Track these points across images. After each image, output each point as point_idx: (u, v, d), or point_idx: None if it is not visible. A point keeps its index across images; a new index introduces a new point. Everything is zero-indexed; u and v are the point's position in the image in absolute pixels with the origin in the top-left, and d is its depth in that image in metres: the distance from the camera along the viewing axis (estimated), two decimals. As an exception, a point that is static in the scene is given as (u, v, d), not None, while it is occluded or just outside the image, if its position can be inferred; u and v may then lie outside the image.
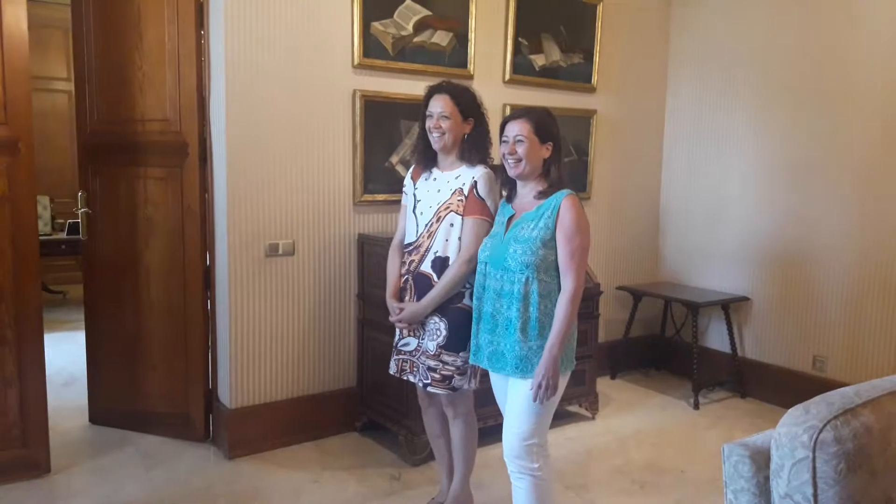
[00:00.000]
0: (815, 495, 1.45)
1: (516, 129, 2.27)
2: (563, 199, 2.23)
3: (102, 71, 3.42)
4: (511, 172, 2.31)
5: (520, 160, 2.27)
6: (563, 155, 2.34)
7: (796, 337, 4.22)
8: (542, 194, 2.29)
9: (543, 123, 2.29)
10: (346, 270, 3.63)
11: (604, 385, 4.46)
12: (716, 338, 4.65)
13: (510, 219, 2.35)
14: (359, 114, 3.56)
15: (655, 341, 4.98)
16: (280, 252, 3.42)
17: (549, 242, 2.22)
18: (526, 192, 2.34)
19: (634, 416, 4.09)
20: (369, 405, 3.60)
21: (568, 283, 2.20)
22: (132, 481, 3.11)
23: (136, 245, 3.47)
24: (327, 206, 3.55)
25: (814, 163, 4.07)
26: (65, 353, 4.90)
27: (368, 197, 3.64)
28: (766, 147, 4.31)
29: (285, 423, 3.49)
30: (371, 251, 3.55)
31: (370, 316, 3.57)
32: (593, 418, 3.99)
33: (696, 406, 4.24)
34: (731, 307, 4.47)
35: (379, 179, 3.67)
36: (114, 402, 3.62)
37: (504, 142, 2.30)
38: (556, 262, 2.23)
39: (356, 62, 3.53)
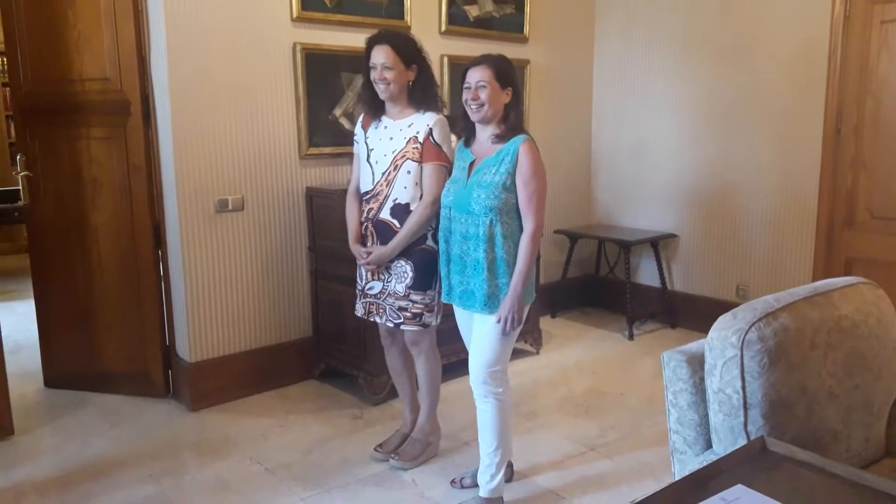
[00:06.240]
0: (744, 387, 1.69)
1: (478, 75, 2.36)
2: (521, 145, 2.35)
3: (34, 30, 3.34)
4: (473, 117, 2.41)
5: (482, 105, 2.36)
6: (520, 100, 2.45)
7: (720, 268, 4.56)
8: (500, 138, 2.40)
9: (503, 69, 2.39)
10: (297, 223, 3.71)
11: (545, 323, 4.71)
12: (647, 274, 4.95)
13: (471, 164, 2.45)
14: (300, 67, 3.59)
15: (591, 280, 5.27)
16: (230, 207, 3.46)
17: (510, 187, 2.34)
18: (485, 136, 2.44)
19: (575, 350, 4.37)
20: (326, 352, 3.73)
21: (528, 225, 2.35)
22: (98, 438, 3.16)
23: (83, 206, 3.45)
24: (274, 161, 3.60)
25: (733, 103, 4.35)
26: (5, 323, 4.80)
27: (314, 150, 3.71)
28: (689, 91, 4.56)
29: (245, 374, 3.59)
30: (320, 203, 3.63)
31: (322, 267, 3.67)
32: (538, 353, 4.25)
33: (631, 337, 4.55)
34: (660, 244, 4.77)
35: (324, 132, 3.73)
36: (69, 365, 3.63)
37: (466, 88, 2.39)
38: (517, 205, 2.36)
39: (295, 15, 3.55)
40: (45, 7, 3.31)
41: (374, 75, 2.64)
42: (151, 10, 3.25)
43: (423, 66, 2.68)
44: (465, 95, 2.40)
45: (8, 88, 4.03)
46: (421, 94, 2.66)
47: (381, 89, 2.64)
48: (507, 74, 2.39)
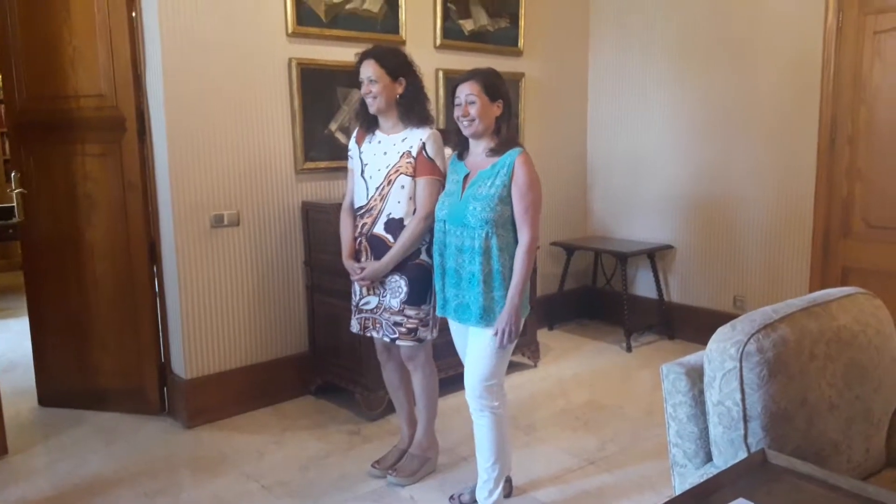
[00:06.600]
0: (743, 399, 1.68)
1: (466, 89, 2.38)
2: (517, 157, 2.36)
3: (29, 47, 3.34)
4: (465, 132, 2.42)
5: (473, 120, 2.37)
6: (513, 112, 2.47)
7: (717, 279, 4.55)
8: (494, 152, 2.40)
9: (492, 82, 2.40)
10: (292, 238, 3.70)
11: (543, 336, 4.70)
12: (644, 285, 4.95)
13: (466, 177, 2.45)
14: (295, 82, 3.60)
15: (588, 292, 5.26)
16: (225, 223, 3.45)
17: (506, 199, 2.34)
18: (479, 150, 2.45)
19: (573, 362, 4.35)
20: (323, 368, 3.71)
21: (524, 237, 2.35)
22: (93, 456, 3.13)
23: (78, 223, 3.43)
24: (270, 176, 3.59)
25: (728, 114, 4.36)
26: (-1, 340, 4.80)
27: (310, 164, 3.71)
28: (684, 101, 4.58)
29: (241, 390, 3.56)
30: (316, 218, 3.62)
31: (318, 282, 3.66)
32: (535, 366, 4.23)
33: (629, 349, 4.54)
34: (656, 255, 4.77)
35: (320, 147, 3.73)
36: (64, 383, 3.60)
37: (457, 104, 2.40)
38: (513, 217, 2.36)
39: (290, 30, 3.56)
40: (40, 24, 3.31)
41: (362, 89, 2.67)
42: (147, 26, 3.26)
43: (412, 79, 2.68)
44: (456, 112, 2.41)
45: (3, 105, 4.02)
46: (410, 107, 2.65)
47: (368, 103, 2.67)
48: (497, 87, 2.40)
